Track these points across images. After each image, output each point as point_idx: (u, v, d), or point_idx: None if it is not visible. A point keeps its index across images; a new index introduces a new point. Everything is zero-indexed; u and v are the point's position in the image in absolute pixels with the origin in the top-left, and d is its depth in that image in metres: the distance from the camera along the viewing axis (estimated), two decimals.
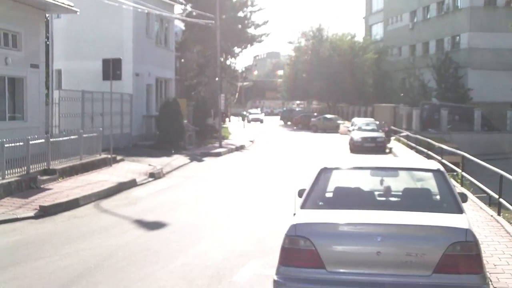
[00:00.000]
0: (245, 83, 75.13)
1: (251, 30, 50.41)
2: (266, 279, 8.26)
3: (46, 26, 25.12)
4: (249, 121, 71.93)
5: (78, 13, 22.64)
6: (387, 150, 32.93)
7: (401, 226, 5.92)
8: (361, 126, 36.06)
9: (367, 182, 7.62)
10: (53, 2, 20.51)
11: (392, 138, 38.76)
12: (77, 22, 29.03)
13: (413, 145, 32.28)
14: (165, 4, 33.59)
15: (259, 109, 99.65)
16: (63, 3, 21.08)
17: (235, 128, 55.79)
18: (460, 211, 6.32)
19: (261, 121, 78.67)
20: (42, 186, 16.10)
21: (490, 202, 14.82)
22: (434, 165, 7.50)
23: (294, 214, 6.54)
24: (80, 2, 23.52)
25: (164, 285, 8.21)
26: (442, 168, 7.18)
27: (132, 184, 18.20)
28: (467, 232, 5.75)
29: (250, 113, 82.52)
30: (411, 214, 6.21)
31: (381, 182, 7.68)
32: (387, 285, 5.69)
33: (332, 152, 31.87)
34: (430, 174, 7.24)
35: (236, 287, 8.19)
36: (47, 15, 24.28)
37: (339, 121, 57.07)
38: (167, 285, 8.21)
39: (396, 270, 5.73)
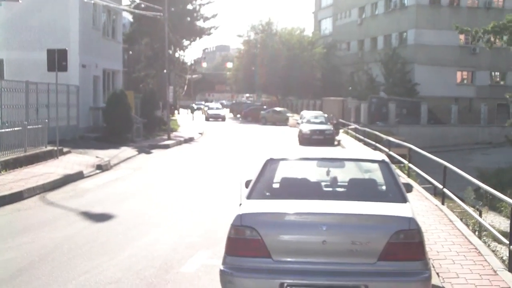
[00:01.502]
0: (194, 76, 74.58)
1: (200, 23, 50.13)
2: (213, 269, 8.23)
3: None
4: (207, 118, 63.57)
5: (20, 1, 22.05)
6: (336, 143, 33.27)
7: (346, 215, 5.98)
8: (310, 119, 36.31)
9: (314, 173, 7.66)
10: None
11: (341, 131, 39.21)
12: (20, 11, 28.26)
13: (361, 137, 32.70)
14: None
15: (218, 102, 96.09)
16: None
17: (184, 120, 55.49)
18: (404, 200, 6.42)
19: (223, 119, 63.76)
20: None
21: (435, 192, 15.14)
22: (379, 156, 7.60)
23: (240, 204, 6.53)
24: None
25: (111, 277, 8.10)
26: (387, 159, 7.28)
27: (79, 176, 17.89)
28: (410, 220, 5.84)
29: (196, 104, 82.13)
30: (356, 204, 6.28)
31: (328, 172, 7.73)
32: (333, 273, 5.73)
33: (281, 144, 32.02)
34: (375, 165, 7.33)
35: (183, 278, 8.14)
36: None
37: (288, 114, 57.37)
38: (114, 277, 8.10)
39: (342, 259, 5.79)
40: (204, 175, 19.57)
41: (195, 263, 8.83)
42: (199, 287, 7.76)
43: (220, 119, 62.85)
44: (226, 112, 57.93)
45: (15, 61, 28.72)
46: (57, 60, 20.74)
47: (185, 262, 8.87)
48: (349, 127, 40.56)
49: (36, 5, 28.37)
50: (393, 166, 7.26)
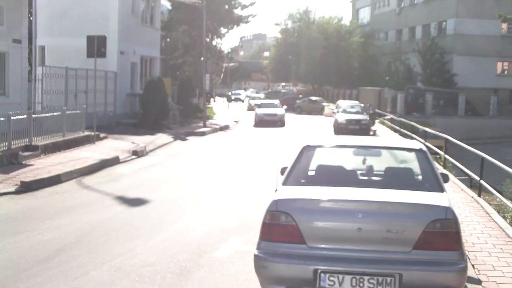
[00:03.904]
0: (230, 64, 74.68)
1: (237, 11, 50.12)
2: (247, 255, 8.27)
3: (30, 1, 24.81)
4: (230, 101, 69.95)
5: None
6: (371, 133, 33.02)
7: (382, 203, 5.94)
8: (346, 109, 36.06)
9: (350, 161, 7.62)
10: None
11: (377, 121, 38.90)
12: None
13: (397, 128, 32.40)
14: None
15: (245, 90, 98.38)
16: None
17: (220, 108, 55.65)
18: (441, 189, 6.35)
19: (242, 101, 78.39)
20: (23, 162, 16.00)
21: (471, 184, 14.95)
22: (417, 144, 7.52)
23: (276, 190, 6.54)
24: None
25: (145, 260, 8.20)
26: (424, 148, 7.20)
27: (115, 161, 18.12)
28: (447, 210, 5.77)
29: (233, 93, 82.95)
30: (392, 192, 6.22)
31: (364, 161, 7.68)
32: (367, 261, 5.71)
33: (316, 133, 31.92)
34: (412, 154, 7.25)
35: (217, 262, 8.20)
36: None
37: (324, 103, 57.12)
38: (148, 260, 8.20)
39: (377, 246, 5.76)
40: (239, 162, 19.64)
41: (228, 249, 8.88)
42: (232, 272, 7.80)
43: (240, 101, 64.46)
44: (282, 110, 40.55)
45: (56, 48, 29.21)
46: (96, 46, 20.99)
47: (218, 247, 8.93)
48: (385, 117, 40.20)
49: None
50: (430, 155, 7.18)
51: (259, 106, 42.71)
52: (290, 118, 44.46)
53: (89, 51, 21.27)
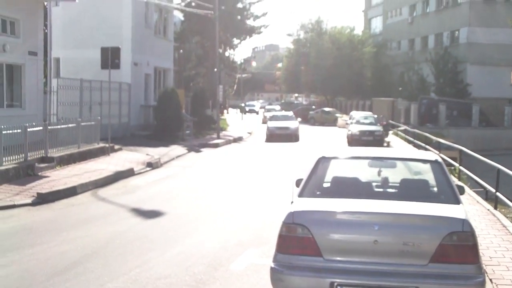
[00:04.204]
0: (243, 75, 74.89)
1: (250, 22, 50.38)
2: (262, 268, 8.28)
3: (45, 14, 25.07)
4: (245, 112, 69.07)
5: (77, 0, 22.57)
6: (385, 144, 32.93)
7: (398, 215, 5.93)
8: (359, 120, 36.05)
9: (365, 173, 7.62)
10: None
11: (390, 132, 38.80)
12: (75, 11, 28.97)
13: (411, 139, 32.28)
14: None
15: (256, 101, 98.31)
16: None
17: (233, 119, 55.73)
18: (457, 201, 6.33)
19: (257, 112, 77.27)
20: (39, 173, 16.12)
21: (487, 196, 14.84)
22: (432, 156, 7.51)
23: (292, 202, 6.54)
24: None
25: (161, 273, 8.22)
26: (440, 159, 7.18)
27: (129, 173, 18.20)
28: (464, 222, 5.75)
29: (247, 105, 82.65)
30: (408, 204, 6.21)
31: (379, 173, 7.68)
32: (383, 274, 5.69)
33: (330, 144, 31.87)
34: (428, 165, 7.24)
35: (232, 275, 8.20)
36: (45, 2, 24.23)
37: (337, 115, 57.08)
38: (164, 273, 8.21)
39: (393, 259, 5.74)
40: (253, 174, 19.64)
41: (244, 262, 8.88)
42: (248, 286, 7.80)
43: (255, 113, 60.97)
44: (296, 123, 37.25)
45: (70, 60, 29.49)
46: (110, 58, 21.13)
47: (234, 260, 8.93)
48: (399, 128, 40.09)
49: (90, 5, 29.02)
50: (445, 167, 7.16)
51: (271, 118, 39.15)
52: (304, 129, 44.45)
53: (103, 63, 21.43)
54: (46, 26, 26.38)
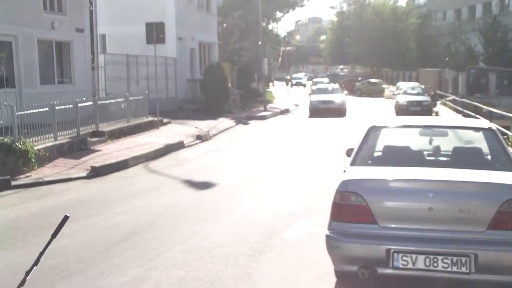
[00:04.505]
0: (287, 48, 74.47)
1: None
2: (316, 236, 8.30)
3: None
4: (291, 86, 68.82)
5: None
6: (433, 114, 32.44)
7: (453, 182, 5.84)
8: (407, 90, 35.55)
9: (416, 142, 7.53)
10: None
11: (438, 102, 38.14)
12: None
13: (460, 109, 31.72)
14: None
15: (302, 74, 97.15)
16: None
17: (279, 92, 55.57)
18: None
19: (304, 85, 74.38)
20: (91, 147, 16.43)
21: None
22: (485, 123, 7.36)
23: (344, 171, 6.52)
24: None
25: (216, 242, 8.30)
26: (493, 126, 7.04)
27: (179, 146, 18.38)
28: None
29: (293, 78, 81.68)
30: (463, 171, 6.11)
31: (430, 141, 7.58)
32: (440, 241, 5.63)
33: (377, 115, 31.57)
34: (481, 133, 7.09)
35: (287, 244, 8.24)
36: None
37: (383, 86, 56.42)
38: (219, 242, 8.29)
39: (449, 226, 5.67)
40: (300, 146, 19.60)
41: (297, 231, 8.90)
42: (303, 254, 7.82)
43: (302, 86, 56.61)
44: (342, 97, 34.01)
45: (116, 36, 29.76)
46: (155, 33, 21.27)
47: (287, 229, 8.96)
48: (447, 98, 39.39)
49: None
50: (500, 134, 7.01)
51: (314, 91, 35.72)
52: (350, 101, 44.09)
53: (149, 38, 21.58)
54: (91, 3, 26.65)
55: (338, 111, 31.77)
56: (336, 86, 38.40)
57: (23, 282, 2.04)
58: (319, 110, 31.72)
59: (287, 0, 49.23)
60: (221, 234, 8.74)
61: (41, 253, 2.13)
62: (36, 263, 2.07)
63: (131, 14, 29.92)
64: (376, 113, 33.43)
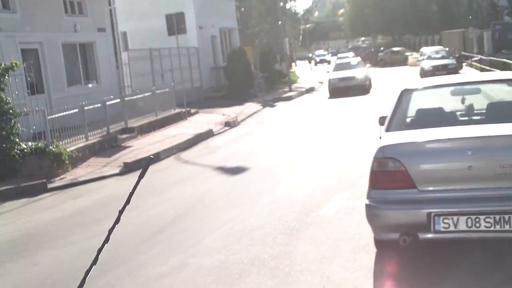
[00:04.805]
0: (307, 26, 73.92)
1: None
2: (353, 210, 8.32)
3: None
4: (316, 64, 68.25)
5: None
6: None
7: (491, 138, 5.72)
8: (431, 55, 35.18)
9: (448, 102, 7.44)
10: None
11: (464, 64, 37.65)
12: None
13: (488, 68, 31.26)
14: None
15: (323, 50, 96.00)
16: None
17: (302, 71, 55.34)
18: None
19: (328, 62, 71.11)
20: (122, 144, 16.63)
21: None
22: None
23: (380, 137, 6.49)
24: None
25: (253, 224, 8.36)
26: None
27: (209, 134, 18.50)
28: None
29: (316, 55, 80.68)
30: (501, 126, 5.96)
31: (463, 100, 7.47)
32: (481, 199, 5.52)
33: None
34: None
35: (324, 220, 8.26)
36: None
37: (406, 53, 55.78)
38: (257, 224, 8.36)
39: (490, 183, 5.55)
40: (330, 121, 19.59)
41: (334, 206, 8.92)
42: (341, 228, 7.83)
43: (326, 63, 50.24)
44: (365, 71, 31.06)
45: (137, 31, 29.95)
46: (175, 23, 21.34)
47: (323, 205, 8.98)
48: (473, 59, 38.83)
49: None
50: None
51: (334, 68, 32.60)
52: (374, 73, 43.73)
53: (170, 29, 21.68)
54: (109, 2, 26.81)
55: (361, 88, 28.85)
56: (358, 59, 35.54)
57: (82, 283, 2.10)
58: (339, 89, 28.82)
59: None
60: (258, 216, 8.81)
61: (108, 235, 2.18)
62: (95, 261, 2.13)
63: (149, 9, 30.03)
64: (402, 84, 33.08)
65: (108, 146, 16.05)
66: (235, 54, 30.24)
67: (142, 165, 13.87)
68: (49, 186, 12.49)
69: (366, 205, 5.93)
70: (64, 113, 14.85)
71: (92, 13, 20.89)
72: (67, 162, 13.61)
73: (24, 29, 17.65)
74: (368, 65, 35.65)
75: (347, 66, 31.97)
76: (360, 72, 30.17)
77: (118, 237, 8.46)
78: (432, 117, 6.73)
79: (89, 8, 20.76)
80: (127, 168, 13.80)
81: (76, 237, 8.63)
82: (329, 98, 28.43)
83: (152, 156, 2.39)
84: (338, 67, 32.13)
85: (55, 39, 18.94)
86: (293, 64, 57.27)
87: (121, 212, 2.18)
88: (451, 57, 34.24)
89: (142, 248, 7.80)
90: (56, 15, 19.18)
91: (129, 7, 30.41)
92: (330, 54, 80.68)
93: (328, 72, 31.90)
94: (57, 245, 8.42)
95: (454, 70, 32.00)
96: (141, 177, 2.12)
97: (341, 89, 28.55)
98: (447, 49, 37.51)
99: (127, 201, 2.18)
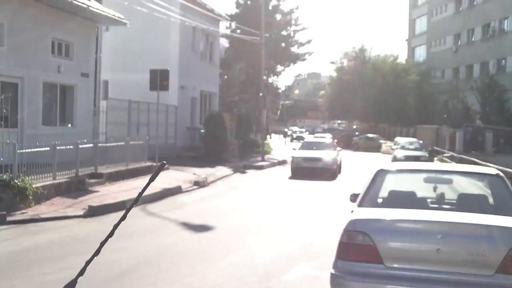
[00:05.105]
0: (286, 102, 75.05)
1: (294, 49, 50.64)
2: (316, 279, 8.26)
3: (96, 38, 25.68)
4: (292, 140, 68.77)
5: (127, 25, 23.10)
6: None
7: (462, 225, 5.84)
8: (404, 145, 35.84)
9: (421, 188, 7.55)
10: (105, 14, 21.02)
11: (435, 158, 38.33)
12: (124, 35, 29.53)
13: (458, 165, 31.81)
14: (211, 20, 34.00)
15: (303, 128, 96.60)
16: (114, 16, 21.59)
17: (277, 144, 55.75)
18: None
19: (331, 171, 70.72)
20: (89, 188, 16.40)
21: None
22: (493, 170, 7.40)
23: (352, 211, 6.54)
24: (128, 15, 23.96)
25: (214, 281, 8.25)
26: (501, 173, 7.07)
27: (177, 190, 18.36)
28: None
29: (294, 131, 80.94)
30: (471, 215, 6.13)
31: (435, 188, 7.60)
32: (446, 283, 5.60)
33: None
34: (488, 180, 7.11)
35: (286, 285, 8.18)
36: (97, 27, 24.83)
37: (381, 141, 56.70)
38: (217, 281, 8.24)
39: (456, 268, 5.65)
40: (298, 194, 19.62)
41: (296, 273, 8.84)
42: None
43: (327, 172, 36.16)
44: (334, 154, 27.73)
45: (119, 82, 29.98)
46: (159, 79, 21.50)
47: (286, 272, 8.90)
48: (444, 154, 39.58)
49: (139, 30, 29.53)
50: (507, 181, 7.02)
51: (301, 146, 29.50)
52: (347, 155, 44.18)
53: (152, 84, 21.80)
54: (96, 51, 27.01)
55: (328, 172, 25.93)
56: (329, 140, 31.79)
57: (82, 271, 2.04)
58: (302, 170, 26.05)
59: (288, 54, 49.93)
60: (219, 274, 8.69)
61: (115, 228, 2.12)
62: (97, 252, 2.08)
63: (135, 61, 30.26)
64: (372, 167, 33.42)
65: (75, 188, 15.81)
66: (213, 117, 30.45)
67: (107, 211, 13.72)
68: (9, 219, 12.17)
69: (332, 275, 5.95)
70: (35, 149, 14.66)
71: (78, 58, 20.97)
72: (30, 197, 13.34)
73: (7, 62, 17.61)
74: (339, 148, 30.87)
75: (315, 145, 29.04)
76: (328, 154, 26.93)
77: (72, 277, 8.23)
78: (404, 200, 6.85)
79: (76, 52, 20.85)
80: (91, 212, 13.57)
81: (27, 273, 8.36)
82: (289, 178, 25.55)
83: (165, 162, 2.36)
84: (306, 146, 29.20)
85: (37, 77, 18.89)
86: (268, 136, 57.71)
87: (102, 244, 2.14)
88: (423, 150, 34.88)
89: None
90: (42, 54, 19.20)
91: (115, 57, 30.56)
92: (307, 132, 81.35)
93: (294, 149, 29.70)
94: (4, 279, 8.14)
95: (426, 162, 32.53)
96: (152, 179, 2.10)
97: (305, 170, 25.79)
98: (420, 141, 38.26)
99: (111, 233, 2.15)
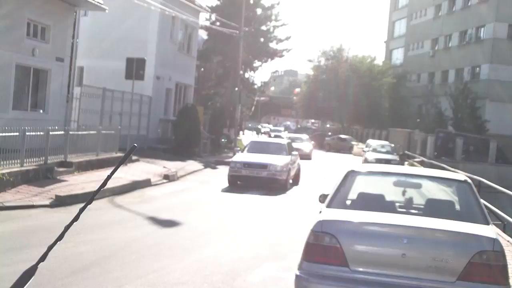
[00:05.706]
0: (262, 98, 74.97)
1: (273, 45, 50.55)
2: (280, 280, 8.26)
3: (74, 22, 25.34)
4: (269, 137, 67.68)
5: (106, 11, 22.82)
6: None
7: (428, 230, 5.88)
8: (376, 148, 36.08)
9: (390, 192, 7.58)
10: None
11: (406, 162, 38.64)
12: (103, 21, 29.19)
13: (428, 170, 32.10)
14: (191, 10, 33.79)
15: (282, 126, 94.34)
16: (93, 0, 21.26)
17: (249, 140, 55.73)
18: (487, 222, 6.26)
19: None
20: (58, 177, 16.19)
21: (504, 229, 14.73)
22: (461, 176, 7.46)
23: (320, 212, 6.52)
24: (107, 1, 23.67)
25: (178, 278, 8.20)
26: (469, 180, 7.12)
27: (146, 183, 18.24)
28: (495, 241, 5.69)
29: (272, 130, 77.94)
30: (437, 220, 6.15)
31: (403, 193, 7.64)
32: None
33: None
34: (456, 185, 7.17)
35: (251, 286, 8.16)
36: (76, 11, 24.49)
37: (353, 142, 57.01)
38: (182, 279, 8.19)
39: (420, 274, 5.69)
40: (269, 192, 19.59)
41: (261, 274, 8.84)
42: None
43: (273, 183, 21.65)
44: (286, 159, 20.71)
45: (94, 69, 29.66)
46: (135, 68, 21.31)
47: (251, 272, 8.89)
48: (415, 159, 39.94)
49: (118, 17, 29.23)
50: (474, 187, 7.07)
51: (247, 148, 22.87)
52: (319, 155, 44.41)
53: (128, 73, 21.62)
54: (73, 35, 26.65)
55: (275, 183, 20.11)
56: (284, 142, 24.25)
57: (44, 257, 1.99)
58: (240, 179, 20.47)
59: (267, 49, 49.83)
60: (184, 271, 8.64)
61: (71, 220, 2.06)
62: (61, 237, 2.02)
63: (111, 49, 29.91)
64: (342, 169, 33.55)
65: (43, 177, 15.58)
66: (187, 110, 30.27)
67: (75, 201, 13.56)
68: None
69: (296, 276, 5.92)
70: (4, 134, 14.40)
71: (53, 41, 20.66)
72: None
73: None
74: (295, 152, 23.00)
75: (265, 147, 22.48)
76: (279, 160, 20.49)
77: (38, 269, 8.11)
78: (373, 202, 6.86)
79: (52, 35, 20.54)
80: (58, 202, 13.40)
81: None
82: (223, 190, 19.55)
83: (136, 145, 2.30)
84: (253, 147, 22.67)
85: (10, 58, 18.56)
86: (241, 132, 57.58)
87: (66, 228, 2.10)
88: (395, 153, 35.14)
89: (60, 284, 7.49)
90: (17, 36, 18.86)
91: (92, 43, 30.17)
92: (286, 131, 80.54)
93: (236, 155, 23.66)
94: None
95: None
96: (121, 162, 2.05)
97: (245, 179, 20.24)
98: (392, 145, 38.53)
99: (76, 217, 2.10)
